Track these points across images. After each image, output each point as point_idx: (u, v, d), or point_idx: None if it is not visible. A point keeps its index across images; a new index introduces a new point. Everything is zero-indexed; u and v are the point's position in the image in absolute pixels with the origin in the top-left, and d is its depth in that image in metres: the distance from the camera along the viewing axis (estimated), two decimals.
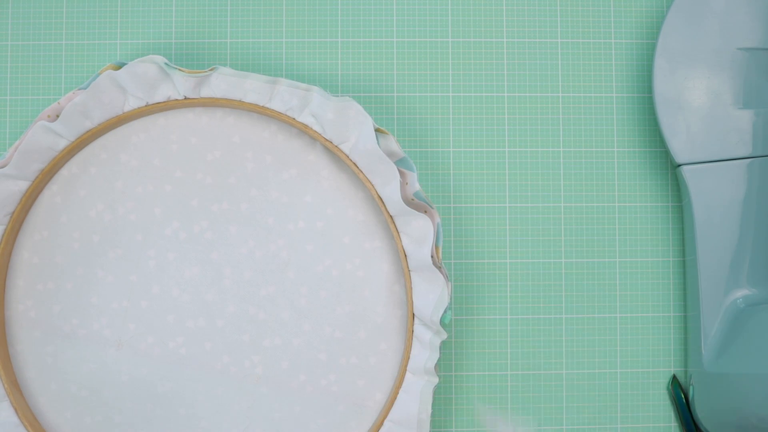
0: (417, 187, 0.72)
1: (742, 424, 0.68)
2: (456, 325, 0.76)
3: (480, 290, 0.76)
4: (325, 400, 0.75)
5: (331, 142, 0.73)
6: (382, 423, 0.73)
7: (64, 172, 0.75)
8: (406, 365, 0.73)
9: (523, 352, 0.77)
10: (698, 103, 0.73)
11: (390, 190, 0.71)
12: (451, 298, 0.73)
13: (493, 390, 0.77)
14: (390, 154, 0.72)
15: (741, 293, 0.73)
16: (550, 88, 0.77)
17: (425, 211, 0.72)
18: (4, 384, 0.73)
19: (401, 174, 0.72)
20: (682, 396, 0.76)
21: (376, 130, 0.71)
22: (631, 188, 0.77)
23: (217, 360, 0.75)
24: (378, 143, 0.71)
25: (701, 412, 0.73)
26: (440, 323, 0.72)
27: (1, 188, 0.72)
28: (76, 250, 0.75)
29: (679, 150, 0.73)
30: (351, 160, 0.73)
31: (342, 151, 0.73)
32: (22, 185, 0.73)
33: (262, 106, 0.73)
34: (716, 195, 0.73)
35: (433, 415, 0.75)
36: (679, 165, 0.73)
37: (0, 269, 0.73)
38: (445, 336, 0.72)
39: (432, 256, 0.72)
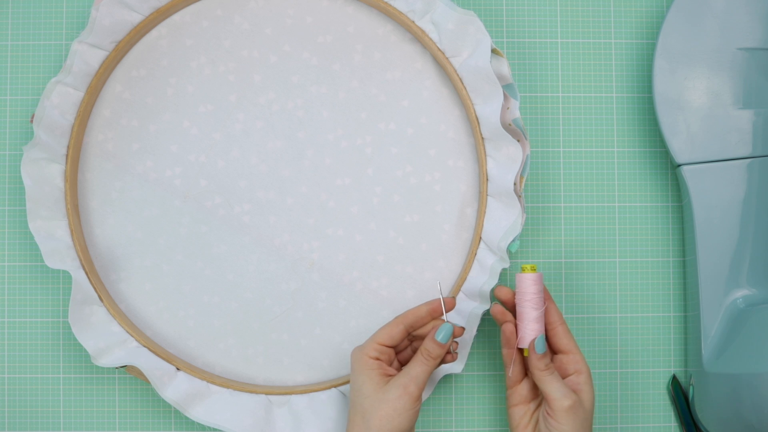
0: (517, 114, 0.72)
1: (742, 424, 0.68)
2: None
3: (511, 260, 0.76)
4: (372, 301, 0.75)
5: (443, 54, 0.74)
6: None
7: (177, 18, 0.75)
8: (461, 285, 0.74)
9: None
10: (698, 103, 0.73)
11: (490, 111, 0.72)
12: (521, 230, 0.73)
13: (495, 390, 0.76)
14: (499, 77, 0.72)
15: (741, 293, 0.73)
16: (550, 88, 0.78)
17: (518, 140, 0.73)
18: (67, 205, 0.73)
19: (504, 98, 0.73)
20: (682, 396, 0.76)
21: (492, 51, 0.72)
22: (631, 188, 0.78)
23: (278, 236, 0.75)
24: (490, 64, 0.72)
25: (701, 412, 0.73)
26: (506, 251, 0.72)
27: (114, 14, 0.72)
28: (168, 96, 0.75)
29: (679, 150, 0.73)
30: (458, 75, 0.74)
31: (451, 65, 0.74)
32: (135, 18, 0.74)
33: (386, 2, 0.74)
34: (716, 195, 0.73)
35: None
36: (679, 165, 0.73)
37: (91, 95, 0.74)
38: (508, 264, 0.72)
39: (515, 184, 0.72)
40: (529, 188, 0.77)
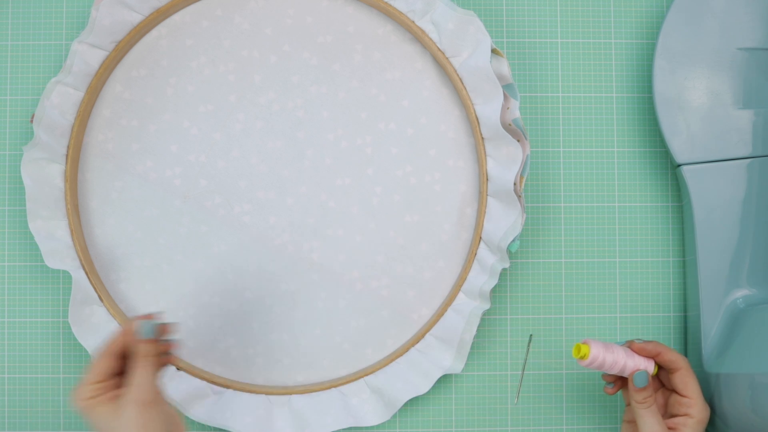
0: (517, 114, 0.72)
1: (742, 424, 0.68)
2: None
3: (511, 260, 0.76)
4: (372, 301, 0.75)
5: (443, 54, 0.74)
6: (423, 336, 0.74)
7: (177, 18, 0.75)
8: (461, 285, 0.74)
9: (523, 352, 0.77)
10: (698, 103, 0.73)
11: (490, 110, 0.72)
12: (521, 230, 0.73)
13: (494, 389, 0.77)
14: (499, 77, 0.72)
15: (741, 293, 0.73)
16: (550, 88, 0.78)
17: (518, 140, 0.73)
18: (67, 205, 0.73)
19: (504, 98, 0.73)
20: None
21: (492, 51, 0.72)
22: (631, 188, 0.78)
23: (278, 236, 0.75)
24: (490, 63, 0.72)
25: None
26: (506, 251, 0.72)
27: (114, 14, 0.72)
28: (168, 96, 0.75)
29: (679, 150, 0.73)
30: (457, 75, 0.74)
31: (451, 65, 0.74)
32: (136, 18, 0.73)
33: (386, 2, 0.74)
34: (716, 195, 0.73)
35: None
36: (679, 165, 0.73)
37: (91, 95, 0.74)
38: (508, 264, 0.72)
39: (515, 184, 0.72)
40: (529, 188, 0.77)
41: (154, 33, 0.75)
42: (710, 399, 0.71)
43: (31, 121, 0.72)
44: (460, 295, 0.74)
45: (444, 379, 0.76)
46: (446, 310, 0.74)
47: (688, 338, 0.76)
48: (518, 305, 0.77)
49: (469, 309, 0.73)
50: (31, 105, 0.76)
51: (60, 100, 0.72)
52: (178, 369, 0.73)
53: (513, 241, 0.72)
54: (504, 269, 0.76)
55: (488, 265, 0.73)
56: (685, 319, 0.77)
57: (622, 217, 0.77)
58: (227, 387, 0.73)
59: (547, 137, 0.77)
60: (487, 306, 0.72)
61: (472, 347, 0.76)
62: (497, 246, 0.72)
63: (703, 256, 0.73)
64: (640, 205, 0.77)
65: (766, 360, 0.66)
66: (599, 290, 0.77)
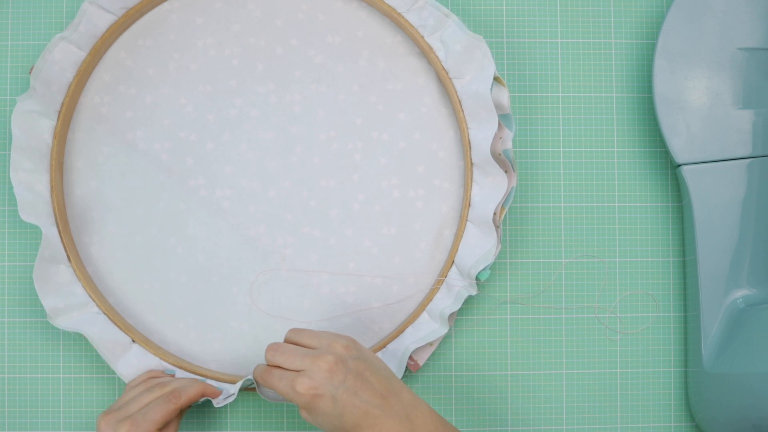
0: (509, 145, 0.72)
1: (742, 424, 0.68)
2: (457, 324, 0.76)
3: (480, 290, 0.76)
4: (336, 305, 0.75)
5: (447, 73, 0.74)
6: (380, 348, 0.74)
7: None
8: (426, 304, 0.73)
9: (523, 352, 0.77)
10: (698, 103, 0.73)
11: (482, 138, 0.72)
12: (494, 260, 0.73)
13: (493, 390, 0.77)
14: (497, 106, 0.72)
15: (741, 293, 0.73)
16: (550, 88, 0.78)
17: (506, 171, 0.73)
18: (51, 161, 0.73)
19: (499, 127, 0.72)
20: None
21: (495, 79, 0.72)
22: (631, 188, 0.78)
23: (254, 226, 0.75)
24: (491, 91, 0.72)
25: (701, 412, 0.73)
26: (476, 278, 0.72)
27: None
28: (169, 70, 0.75)
29: (679, 150, 0.73)
30: (457, 97, 0.73)
31: (453, 85, 0.74)
32: None
33: (399, 13, 0.74)
34: (716, 195, 0.73)
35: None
36: (679, 165, 0.73)
37: (93, 56, 0.74)
38: (475, 292, 0.72)
39: (495, 213, 0.72)
40: (529, 187, 0.77)
41: (166, 6, 0.76)
42: (710, 398, 0.71)
43: (30, 73, 0.72)
44: (424, 314, 0.73)
45: (443, 379, 0.76)
46: (407, 327, 0.74)
47: (688, 338, 0.76)
48: (518, 306, 0.77)
49: (429, 329, 0.73)
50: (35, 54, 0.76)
51: (61, 57, 0.72)
52: (133, 341, 0.73)
53: (483, 269, 0.72)
54: (470, 296, 0.75)
55: (455, 290, 0.73)
56: (685, 319, 0.77)
57: (622, 217, 0.77)
58: (178, 366, 0.73)
59: (547, 137, 0.77)
60: (444, 330, 0.72)
61: (472, 347, 0.76)
62: (468, 272, 0.72)
63: (703, 256, 0.73)
64: (640, 205, 0.77)
65: (766, 360, 0.66)
66: (599, 290, 0.77)
